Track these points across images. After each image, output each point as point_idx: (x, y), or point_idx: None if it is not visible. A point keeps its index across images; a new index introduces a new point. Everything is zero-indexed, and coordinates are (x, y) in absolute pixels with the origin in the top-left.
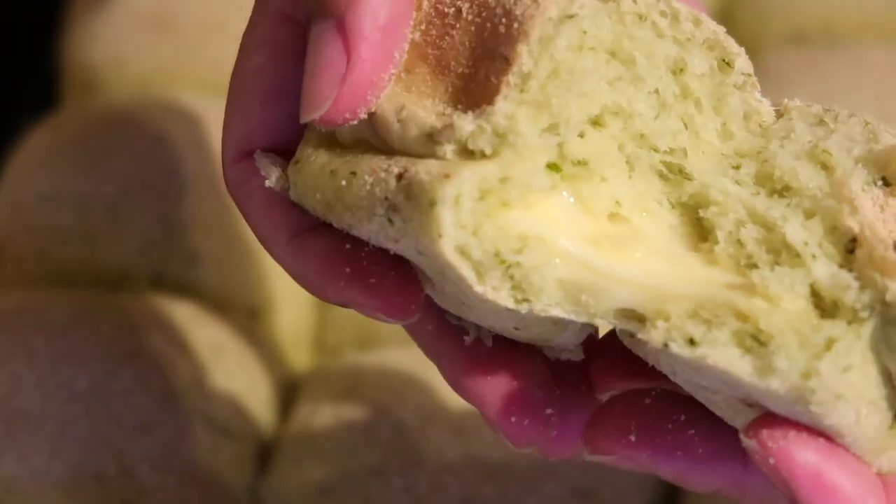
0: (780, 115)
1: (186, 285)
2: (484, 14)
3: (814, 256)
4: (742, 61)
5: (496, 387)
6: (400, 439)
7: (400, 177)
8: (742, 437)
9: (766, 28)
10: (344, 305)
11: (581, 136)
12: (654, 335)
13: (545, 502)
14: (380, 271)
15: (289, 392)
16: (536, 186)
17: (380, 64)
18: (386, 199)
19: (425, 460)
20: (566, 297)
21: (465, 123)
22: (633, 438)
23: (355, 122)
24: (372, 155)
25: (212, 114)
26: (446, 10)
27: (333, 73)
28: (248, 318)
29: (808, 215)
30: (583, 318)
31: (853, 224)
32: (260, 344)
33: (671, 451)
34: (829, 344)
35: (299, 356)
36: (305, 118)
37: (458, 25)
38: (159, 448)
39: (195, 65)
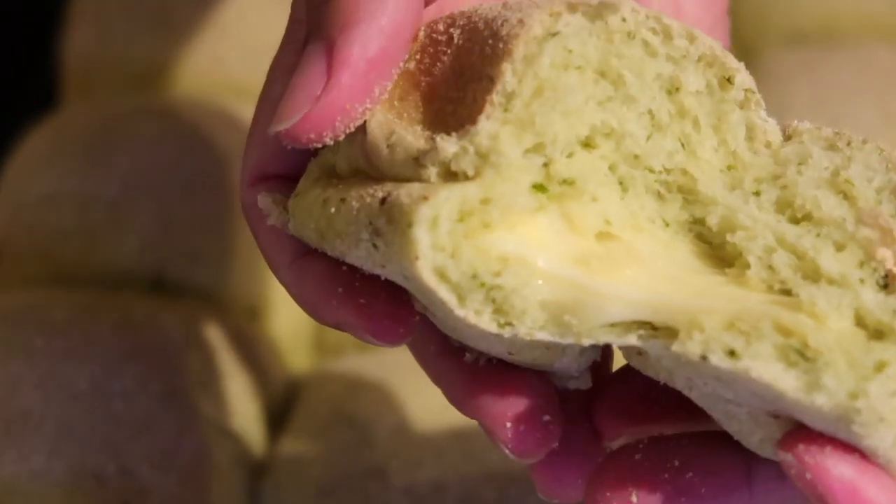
0: (788, 136)
1: (186, 285)
2: (473, 38)
3: (861, 281)
4: (742, 77)
5: (494, 398)
6: (400, 440)
7: (383, 200)
8: (777, 450)
9: (766, 28)
10: (338, 328)
11: (569, 156)
12: (690, 347)
13: (545, 503)
14: (371, 293)
15: (289, 392)
16: (519, 207)
17: (357, 93)
18: (370, 223)
19: (425, 460)
20: (550, 320)
21: (448, 145)
22: (635, 500)
23: (319, 146)
24: (363, 183)
25: (212, 113)
26: (439, 37)
27: (309, 91)
28: (248, 318)
29: (839, 247)
30: (569, 340)
31: (888, 254)
32: (260, 344)
33: (675, 499)
34: (880, 367)
35: (299, 356)
36: (272, 129)
37: (448, 51)
38: (159, 448)
39: (195, 64)
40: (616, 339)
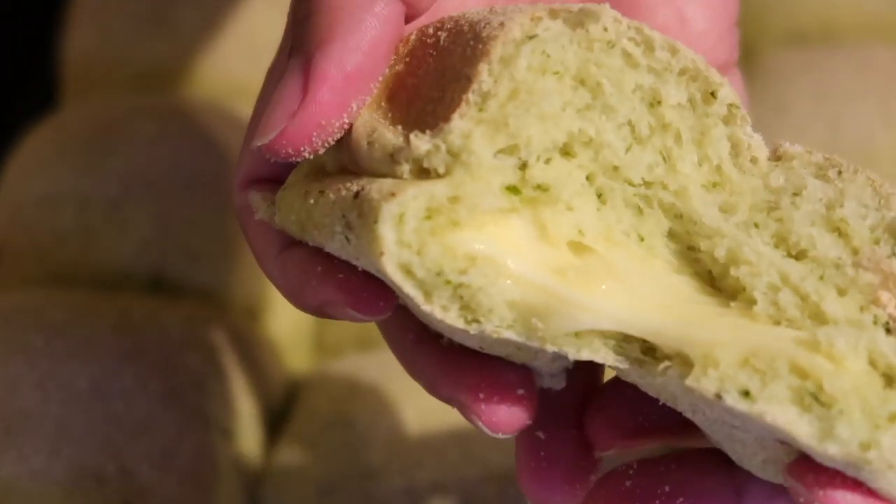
0: (777, 157)
1: (186, 285)
2: (457, 40)
3: (874, 322)
4: (725, 91)
5: (469, 372)
6: (400, 440)
7: (357, 194)
8: (785, 476)
9: (767, 28)
10: (320, 311)
11: (547, 162)
12: (705, 383)
13: None
14: (350, 270)
15: (289, 392)
16: (487, 207)
17: (333, 109)
18: (344, 216)
19: (425, 460)
20: (518, 320)
21: (421, 143)
22: None
23: (300, 160)
24: (345, 177)
25: (212, 113)
26: (428, 40)
27: (287, 107)
28: (248, 318)
29: (841, 292)
30: (534, 343)
31: (889, 298)
32: (260, 344)
33: None
34: (894, 417)
35: (299, 356)
36: (254, 144)
37: (434, 53)
38: (159, 448)
39: (196, 64)
40: (580, 352)
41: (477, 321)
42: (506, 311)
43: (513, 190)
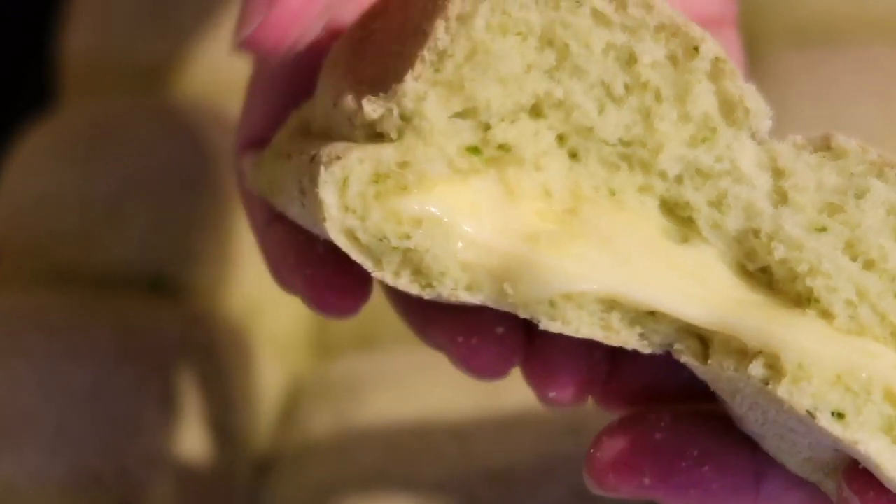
0: (826, 146)
1: (186, 285)
2: None
3: None
4: (708, 46)
5: (449, 316)
6: (400, 440)
7: (312, 158)
8: (842, 484)
9: (767, 27)
10: (295, 294)
11: (512, 122)
12: (797, 398)
13: (545, 503)
14: (320, 263)
15: (288, 392)
16: (436, 173)
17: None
18: (300, 181)
19: (425, 460)
20: (482, 284)
21: (373, 108)
22: (646, 481)
23: (281, 57)
24: (315, 141)
25: (212, 113)
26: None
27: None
28: (248, 318)
29: None
30: (505, 308)
31: None
32: (260, 344)
33: (685, 489)
34: None
35: (299, 356)
36: (234, 42)
37: (402, 6)
38: (159, 448)
39: (196, 64)
40: (552, 322)
41: (430, 286)
42: (459, 274)
43: (473, 150)
